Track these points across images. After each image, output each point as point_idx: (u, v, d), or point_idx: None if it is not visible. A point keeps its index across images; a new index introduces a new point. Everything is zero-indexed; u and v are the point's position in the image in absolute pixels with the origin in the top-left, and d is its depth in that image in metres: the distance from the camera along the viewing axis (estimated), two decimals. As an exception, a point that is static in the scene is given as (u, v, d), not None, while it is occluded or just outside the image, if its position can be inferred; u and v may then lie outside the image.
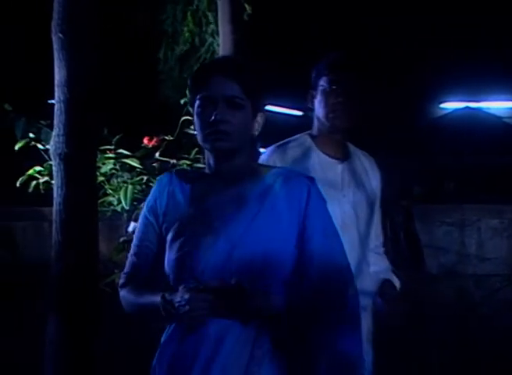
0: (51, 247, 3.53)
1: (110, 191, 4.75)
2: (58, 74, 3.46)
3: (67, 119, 3.46)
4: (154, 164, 4.76)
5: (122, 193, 4.61)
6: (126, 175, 4.82)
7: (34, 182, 4.66)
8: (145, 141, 4.96)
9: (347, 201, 3.08)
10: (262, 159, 3.12)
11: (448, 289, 5.20)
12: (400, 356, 3.20)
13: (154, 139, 4.96)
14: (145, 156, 4.90)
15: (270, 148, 3.16)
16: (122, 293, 2.35)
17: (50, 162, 4.26)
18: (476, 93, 15.16)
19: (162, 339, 2.29)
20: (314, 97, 3.11)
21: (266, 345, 2.20)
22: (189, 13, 6.74)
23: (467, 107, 15.09)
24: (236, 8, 6.08)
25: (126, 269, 2.38)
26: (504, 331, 5.07)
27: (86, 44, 3.49)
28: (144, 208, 2.38)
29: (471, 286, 5.23)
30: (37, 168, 4.67)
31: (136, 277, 2.34)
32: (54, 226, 3.51)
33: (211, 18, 6.63)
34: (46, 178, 4.59)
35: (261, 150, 3.29)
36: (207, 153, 2.34)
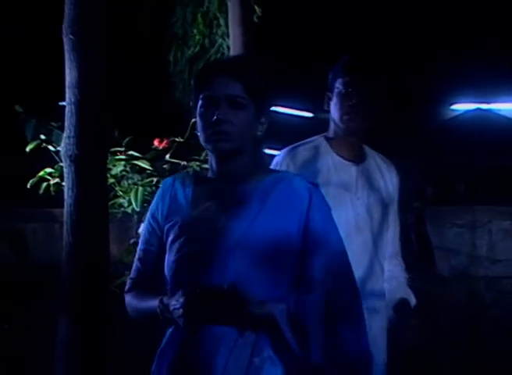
0: (61, 248, 3.54)
1: (120, 193, 4.76)
2: (69, 76, 3.46)
3: (78, 120, 3.46)
4: (165, 166, 4.76)
5: (132, 195, 4.62)
6: (137, 177, 4.83)
7: (45, 184, 4.67)
8: (155, 142, 4.96)
9: (361, 203, 3.08)
10: (275, 161, 3.14)
11: (459, 291, 5.18)
12: (410, 357, 3.19)
13: (165, 141, 4.97)
14: (155, 158, 4.90)
15: (283, 151, 3.17)
16: (127, 298, 2.36)
17: (61, 164, 4.27)
18: (487, 94, 15.11)
19: (161, 344, 2.27)
20: (330, 99, 3.11)
21: (266, 352, 2.17)
22: (199, 15, 6.75)
23: (478, 108, 15.05)
24: (247, 10, 6.08)
25: (131, 275, 2.39)
26: (515, 333, 5.05)
27: (97, 46, 3.49)
28: (148, 213, 2.38)
29: (482, 288, 5.22)
30: (48, 170, 4.68)
31: (140, 282, 2.35)
32: (65, 227, 3.51)
33: (221, 20, 6.64)
34: (57, 180, 4.60)
35: (267, 151, 3.29)
36: (209, 155, 2.32)
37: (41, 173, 4.66)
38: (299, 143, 3.18)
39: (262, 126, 2.31)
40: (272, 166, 3.16)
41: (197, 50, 7.02)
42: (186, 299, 2.12)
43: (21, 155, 4.71)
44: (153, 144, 4.93)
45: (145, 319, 2.32)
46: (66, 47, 3.46)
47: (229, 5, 6.03)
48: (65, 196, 3.50)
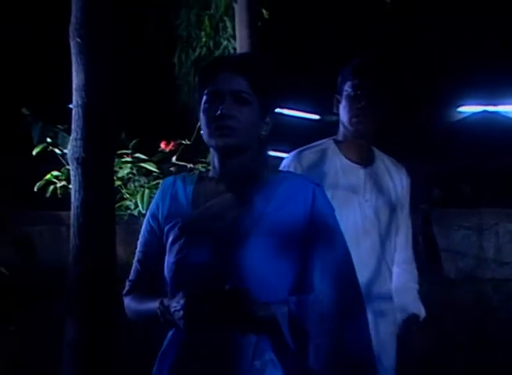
0: (68, 251, 3.54)
1: (127, 195, 4.76)
2: (76, 78, 3.47)
3: (85, 123, 3.46)
4: (171, 168, 4.77)
5: (139, 197, 4.62)
6: (143, 179, 4.83)
7: (52, 187, 4.68)
8: (162, 145, 4.97)
9: (369, 205, 3.08)
10: (283, 164, 3.14)
11: (466, 293, 5.18)
12: (418, 359, 3.18)
13: (171, 143, 4.97)
14: (162, 160, 4.91)
15: (291, 153, 3.17)
16: (126, 301, 2.33)
17: (67, 167, 4.27)
18: (494, 97, 15.10)
19: (162, 346, 2.25)
20: (339, 102, 3.12)
21: (267, 355, 2.14)
22: (206, 18, 6.75)
23: (485, 111, 15.03)
24: (253, 13, 6.09)
25: (130, 277, 2.35)
26: (523, 335, 5.04)
27: (104, 49, 3.50)
28: (147, 214, 2.34)
29: (489, 290, 5.21)
30: (55, 173, 4.69)
31: (139, 284, 2.31)
32: (71, 230, 3.51)
33: (228, 23, 6.65)
34: (63, 183, 4.61)
35: (275, 154, 3.29)
36: (212, 152, 2.27)
37: (48, 176, 4.67)
38: (307, 146, 3.18)
39: (267, 126, 2.27)
40: (280, 169, 3.16)
41: (204, 52, 7.02)
42: (186, 301, 2.09)
43: (28, 158, 4.72)
44: (159, 147, 4.93)
45: (145, 322, 2.29)
46: (73, 50, 3.47)
47: (236, 8, 6.04)
48: (72, 199, 3.50)
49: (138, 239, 2.37)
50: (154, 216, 2.30)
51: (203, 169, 4.59)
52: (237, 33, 6.14)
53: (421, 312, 3.14)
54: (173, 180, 2.33)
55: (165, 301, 2.16)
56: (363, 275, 3.01)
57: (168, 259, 2.22)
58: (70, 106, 3.55)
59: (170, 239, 2.23)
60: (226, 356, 2.12)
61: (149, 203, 4.38)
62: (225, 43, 6.79)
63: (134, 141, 4.86)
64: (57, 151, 4.60)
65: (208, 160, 4.59)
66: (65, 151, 4.29)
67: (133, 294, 2.31)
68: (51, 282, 4.45)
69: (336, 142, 3.14)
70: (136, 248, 2.34)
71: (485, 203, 6.89)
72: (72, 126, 3.50)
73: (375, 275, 3.08)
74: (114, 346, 3.53)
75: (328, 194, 3.03)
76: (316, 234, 2.20)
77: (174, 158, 4.98)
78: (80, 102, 3.46)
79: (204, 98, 2.23)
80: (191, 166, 4.83)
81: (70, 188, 3.63)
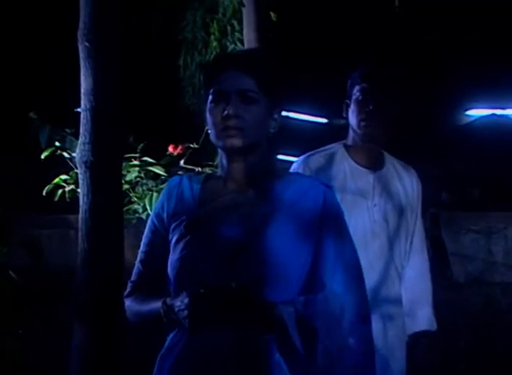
0: (76, 254, 3.54)
1: (135, 199, 4.77)
2: (85, 83, 3.47)
3: (93, 127, 3.47)
4: (179, 172, 4.77)
5: (147, 201, 4.63)
6: (151, 183, 4.84)
7: (60, 190, 4.69)
8: (170, 148, 4.98)
9: (378, 210, 3.08)
10: (292, 168, 3.15)
11: (475, 297, 5.16)
12: (426, 364, 3.17)
13: (179, 147, 4.98)
14: (170, 164, 4.91)
15: (300, 157, 3.18)
16: (127, 303, 2.27)
17: (76, 171, 4.28)
18: (502, 100, 15.06)
19: (163, 348, 2.20)
20: (348, 106, 3.12)
21: (274, 355, 2.10)
22: (215, 22, 6.76)
23: (493, 114, 15.00)
24: (261, 16, 6.09)
25: (132, 278, 2.30)
26: (532, 340, 5.03)
27: (112, 53, 3.50)
28: (152, 214, 2.30)
29: (498, 294, 5.19)
30: (63, 176, 4.70)
31: (141, 285, 2.26)
32: (80, 233, 3.52)
33: (236, 26, 6.65)
34: (72, 186, 4.62)
35: (281, 157, 3.29)
36: (220, 152, 2.23)
37: (56, 180, 4.68)
38: (316, 150, 3.19)
39: (275, 123, 2.22)
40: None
41: (210, 56, 7.02)
42: (190, 300, 2.04)
43: (36, 162, 4.73)
44: (167, 150, 4.94)
45: (147, 323, 2.23)
46: (82, 54, 3.47)
47: (244, 11, 6.04)
48: (80, 202, 3.51)
49: (145, 241, 2.33)
50: (158, 216, 2.26)
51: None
52: (245, 36, 6.15)
53: (433, 326, 3.15)
54: (179, 179, 2.29)
55: (169, 301, 2.11)
56: (371, 278, 3.02)
57: (173, 257, 2.17)
58: (78, 110, 3.55)
59: (175, 237, 2.19)
60: (231, 356, 2.08)
61: (157, 207, 4.39)
62: (231, 46, 6.79)
63: (142, 145, 4.87)
64: (65, 154, 4.61)
65: (215, 164, 4.59)
66: (73, 154, 4.30)
67: (135, 295, 2.26)
68: (59, 285, 4.45)
69: (346, 146, 3.15)
70: (144, 250, 2.31)
71: (493, 207, 6.87)
72: (81, 130, 3.51)
73: (383, 278, 3.08)
74: (121, 349, 3.53)
75: (338, 197, 3.05)
76: (325, 236, 2.16)
77: (182, 162, 4.98)
78: (88, 106, 3.46)
79: (210, 97, 2.19)
80: (199, 169, 4.84)
81: (78, 192, 3.63)
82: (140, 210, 4.77)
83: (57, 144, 4.59)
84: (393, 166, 3.18)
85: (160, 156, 4.96)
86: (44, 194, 4.72)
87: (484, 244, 5.27)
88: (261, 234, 2.12)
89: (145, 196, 4.71)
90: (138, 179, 4.87)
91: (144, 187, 4.84)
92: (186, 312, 2.04)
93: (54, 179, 4.70)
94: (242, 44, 6.36)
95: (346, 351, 2.12)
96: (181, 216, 2.20)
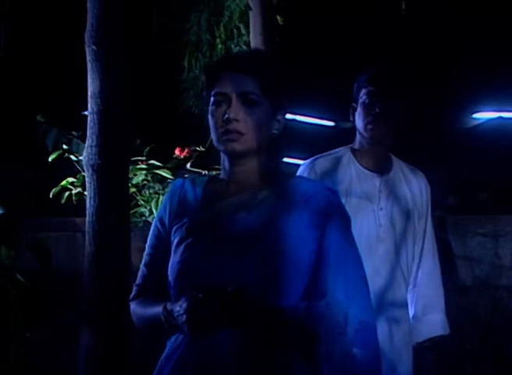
0: (83, 257, 3.55)
1: (142, 202, 4.78)
2: (92, 85, 3.48)
3: (100, 130, 3.47)
4: (186, 175, 4.77)
5: (153, 204, 4.64)
6: (158, 186, 4.85)
7: (67, 193, 4.70)
8: (177, 151, 4.98)
9: (384, 214, 3.07)
10: (298, 171, 3.14)
11: (482, 300, 5.15)
12: (433, 368, 3.17)
13: (186, 150, 4.99)
14: (176, 167, 4.92)
15: (307, 161, 3.18)
16: (132, 306, 2.24)
17: (82, 174, 4.29)
18: (509, 103, 15.04)
19: (163, 354, 2.17)
20: (355, 110, 3.12)
21: (274, 361, 2.05)
22: (221, 25, 6.77)
23: (500, 117, 14.97)
24: (268, 19, 6.10)
25: (137, 281, 2.26)
26: (539, 343, 5.02)
27: (119, 56, 3.51)
28: (155, 217, 2.26)
29: (505, 297, 5.18)
30: (70, 179, 4.71)
31: (146, 289, 2.23)
32: (86, 236, 3.52)
33: (243, 29, 6.66)
34: (79, 189, 4.63)
35: (288, 160, 3.28)
36: (222, 155, 2.19)
37: (63, 183, 4.70)
38: (323, 154, 3.18)
39: (279, 124, 2.17)
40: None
41: (215, 58, 7.02)
42: (189, 304, 2.01)
43: (43, 165, 4.74)
44: (174, 154, 4.95)
45: (150, 328, 2.20)
46: (88, 57, 3.48)
47: (251, 14, 6.05)
48: (87, 205, 3.51)
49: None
50: (161, 219, 2.22)
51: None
52: (251, 39, 6.15)
53: (446, 331, 3.15)
54: (182, 182, 2.25)
55: (168, 306, 2.08)
56: (377, 283, 3.02)
57: (173, 260, 2.13)
58: (85, 113, 3.56)
59: (176, 240, 2.15)
60: (231, 361, 2.04)
61: (164, 210, 4.39)
62: (237, 49, 6.80)
63: (149, 148, 4.88)
64: (72, 157, 4.62)
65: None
66: (80, 157, 4.31)
67: (140, 298, 2.23)
68: (66, 288, 4.46)
69: (353, 150, 3.15)
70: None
71: (500, 210, 6.86)
72: (88, 133, 3.52)
73: (389, 283, 3.07)
74: (129, 353, 3.53)
75: (342, 201, 3.05)
76: (328, 242, 2.11)
77: (188, 165, 4.99)
78: (95, 109, 3.47)
79: (211, 99, 2.14)
80: (205, 172, 4.84)
81: (85, 195, 3.64)
82: (147, 213, 4.78)
83: (64, 147, 4.60)
84: (401, 170, 3.17)
85: (167, 159, 4.97)
86: (50, 196, 4.73)
87: (491, 248, 5.25)
88: (263, 238, 2.08)
89: (152, 199, 4.71)
90: (145, 182, 4.87)
91: (151, 190, 4.84)
92: (185, 317, 2.01)
93: (61, 182, 4.71)
94: (248, 47, 6.37)
95: (351, 359, 2.08)
96: (183, 218, 2.16)
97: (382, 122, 3.05)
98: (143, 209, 4.79)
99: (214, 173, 4.79)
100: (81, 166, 4.24)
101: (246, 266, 2.06)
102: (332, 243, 2.11)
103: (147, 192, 4.86)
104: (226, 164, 2.18)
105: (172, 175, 4.77)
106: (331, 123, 13.29)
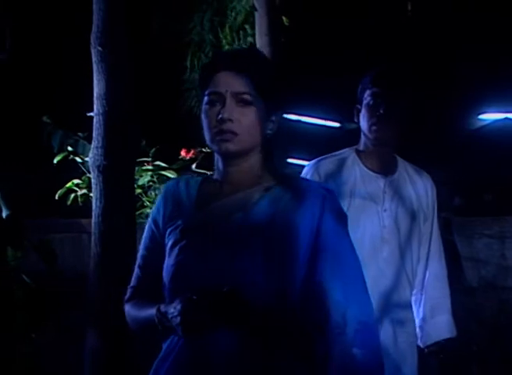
0: (89, 259, 3.55)
1: (148, 203, 4.78)
2: (97, 87, 3.48)
3: (106, 131, 3.48)
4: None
5: (159, 205, 4.61)
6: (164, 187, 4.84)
7: (73, 194, 4.70)
8: (182, 153, 4.98)
9: (388, 215, 3.07)
10: (303, 173, 3.14)
11: (488, 302, 5.14)
12: (439, 370, 3.17)
13: (192, 151, 4.99)
14: (182, 168, 4.92)
15: (311, 162, 3.17)
16: (127, 308, 2.21)
17: (88, 175, 4.30)
18: (515, 104, 15.02)
19: (158, 357, 2.14)
20: (359, 111, 3.12)
21: (269, 362, 2.02)
22: (227, 26, 6.76)
23: (507, 118, 14.95)
24: (273, 20, 6.10)
25: (131, 283, 2.25)
26: (546, 345, 5.01)
27: (124, 57, 3.51)
28: (149, 219, 2.24)
29: (511, 298, 5.17)
30: (76, 181, 4.71)
31: (140, 291, 2.21)
32: (92, 238, 3.53)
33: (248, 30, 6.65)
34: (84, 191, 4.64)
35: (292, 161, 3.28)
36: (215, 155, 2.17)
37: (69, 184, 4.70)
38: (327, 155, 3.18)
39: (273, 125, 2.13)
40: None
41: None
42: (183, 306, 1.99)
43: (48, 166, 4.74)
44: (180, 155, 4.95)
45: (144, 330, 2.18)
46: (94, 58, 3.48)
47: (256, 15, 6.05)
48: (93, 206, 3.51)
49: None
50: (155, 221, 2.20)
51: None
52: (257, 40, 6.15)
53: (454, 333, 3.14)
54: (176, 182, 2.23)
55: (162, 308, 2.05)
56: (381, 283, 3.02)
57: (168, 262, 2.10)
58: (91, 114, 3.56)
59: (171, 242, 2.12)
60: (226, 363, 2.02)
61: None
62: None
63: (154, 149, 4.88)
64: (78, 159, 4.62)
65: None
66: (85, 159, 4.31)
67: (134, 300, 2.21)
68: (72, 290, 4.46)
69: (357, 151, 3.14)
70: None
71: (507, 211, 6.85)
72: (94, 135, 3.52)
73: (393, 285, 3.07)
74: (134, 354, 3.53)
75: (346, 202, 3.04)
76: (324, 242, 2.07)
77: (194, 166, 4.99)
78: (101, 110, 3.47)
79: (205, 99, 2.10)
80: (211, 173, 4.83)
81: (91, 196, 3.64)
82: (153, 214, 4.76)
83: (69, 148, 4.61)
84: (406, 171, 3.16)
85: (172, 160, 4.97)
86: (56, 198, 4.73)
87: (497, 249, 5.24)
88: (256, 239, 2.05)
89: (157, 200, 4.70)
90: (151, 183, 4.87)
91: (157, 192, 4.84)
92: (179, 319, 1.99)
93: (66, 183, 4.71)
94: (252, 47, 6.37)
95: (351, 359, 2.04)
96: (177, 220, 2.13)
97: (386, 123, 3.05)
98: (149, 210, 4.78)
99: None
100: (87, 168, 4.24)
101: (241, 267, 2.03)
102: (328, 241, 2.07)
103: (152, 193, 4.86)
104: (220, 164, 2.16)
105: (178, 176, 4.77)
106: (336, 124, 13.28)
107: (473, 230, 5.25)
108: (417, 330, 3.14)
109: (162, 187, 4.81)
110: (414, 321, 3.12)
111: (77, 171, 4.73)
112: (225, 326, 2.00)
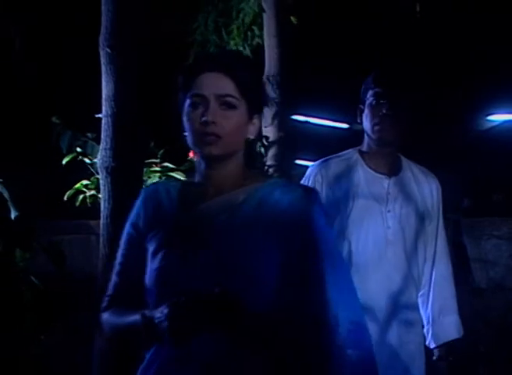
0: (97, 260, 3.55)
1: (156, 205, 4.76)
2: (106, 88, 3.49)
3: (114, 132, 3.48)
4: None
5: (167, 206, 4.61)
6: (172, 188, 4.83)
7: (81, 196, 4.70)
8: (191, 154, 4.97)
9: (392, 216, 3.06)
10: (307, 173, 3.14)
11: (496, 302, 5.13)
12: (446, 370, 3.16)
13: (200, 152, 4.97)
14: (190, 169, 4.91)
15: (315, 163, 3.17)
16: (105, 317, 2.15)
17: (97, 176, 4.30)
18: (524, 105, 14.98)
19: (143, 363, 2.12)
20: (362, 111, 3.11)
21: (261, 366, 1.99)
22: (234, 27, 6.76)
23: (515, 119, 14.91)
24: (282, 21, 6.10)
25: (108, 292, 2.19)
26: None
27: (133, 59, 3.52)
28: (126, 224, 2.19)
29: (520, 299, 5.16)
30: (84, 182, 4.71)
31: (118, 299, 2.16)
32: (101, 239, 3.53)
33: (256, 31, 6.65)
34: (93, 192, 4.63)
35: (300, 162, 3.28)
36: (198, 158, 2.14)
37: (78, 185, 4.70)
38: (331, 156, 3.17)
39: (254, 128, 2.12)
40: (303, 178, 3.16)
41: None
42: (170, 310, 1.93)
43: (57, 167, 4.75)
44: (188, 156, 4.94)
45: (125, 337, 2.14)
46: (103, 60, 3.48)
47: (265, 16, 6.05)
48: (102, 208, 3.52)
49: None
50: (134, 226, 2.16)
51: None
52: (265, 42, 6.15)
53: (461, 333, 3.14)
54: (155, 187, 2.21)
55: (147, 313, 2.00)
56: (387, 285, 3.02)
57: (151, 267, 2.06)
58: (99, 116, 3.56)
59: (153, 246, 2.09)
60: (216, 368, 1.98)
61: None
62: (250, 51, 6.79)
63: (163, 150, 4.87)
64: (86, 160, 4.63)
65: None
66: (94, 160, 4.32)
67: (112, 309, 2.15)
68: (80, 291, 4.47)
69: (361, 152, 3.14)
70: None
71: (515, 212, 6.84)
72: (102, 136, 3.52)
73: (400, 285, 3.06)
74: (142, 356, 3.53)
75: (350, 203, 3.04)
76: (313, 243, 2.04)
77: (202, 167, 4.97)
78: (109, 112, 3.48)
79: (188, 101, 2.08)
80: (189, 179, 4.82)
81: (100, 197, 3.65)
82: (161, 215, 4.76)
83: (78, 149, 4.61)
84: (411, 171, 3.15)
85: (181, 162, 4.97)
86: (65, 199, 4.74)
87: (506, 250, 5.24)
88: (241, 242, 2.03)
89: (166, 202, 4.70)
90: (159, 184, 4.86)
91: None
92: (166, 324, 1.94)
93: (75, 184, 4.71)
94: (262, 49, 6.37)
95: (344, 360, 2.01)
96: (159, 224, 2.11)
97: (389, 123, 3.04)
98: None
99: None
100: (95, 169, 4.24)
101: (226, 270, 2.01)
102: (316, 242, 2.04)
103: (161, 194, 4.85)
104: (202, 167, 2.13)
105: (186, 177, 4.77)
106: (345, 126, 13.27)
107: (482, 231, 5.24)
108: (425, 330, 3.13)
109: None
110: (420, 322, 3.12)
111: (86, 172, 4.73)
112: (213, 330, 1.96)
